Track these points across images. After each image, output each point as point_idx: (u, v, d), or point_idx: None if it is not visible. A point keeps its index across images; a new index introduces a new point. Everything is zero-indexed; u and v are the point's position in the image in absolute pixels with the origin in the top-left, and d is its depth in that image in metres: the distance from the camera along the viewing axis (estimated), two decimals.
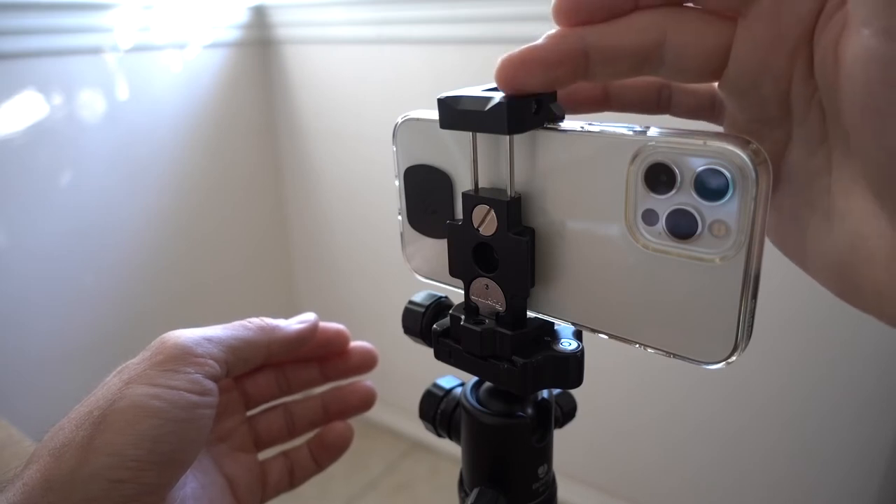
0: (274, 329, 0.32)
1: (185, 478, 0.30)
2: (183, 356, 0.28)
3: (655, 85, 0.25)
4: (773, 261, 0.23)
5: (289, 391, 0.37)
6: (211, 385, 0.28)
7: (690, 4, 0.20)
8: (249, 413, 0.37)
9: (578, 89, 0.25)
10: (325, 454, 0.37)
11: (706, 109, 0.25)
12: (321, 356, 0.37)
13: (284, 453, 0.37)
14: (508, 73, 0.20)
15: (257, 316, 0.33)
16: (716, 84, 0.21)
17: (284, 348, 0.33)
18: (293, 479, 0.36)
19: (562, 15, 0.20)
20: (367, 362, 0.38)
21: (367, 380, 0.38)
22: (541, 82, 0.20)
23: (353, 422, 0.38)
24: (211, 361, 0.28)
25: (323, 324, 0.36)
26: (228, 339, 0.30)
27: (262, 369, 0.37)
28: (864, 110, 0.17)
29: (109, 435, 0.25)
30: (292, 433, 0.37)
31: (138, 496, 0.25)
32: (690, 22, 0.20)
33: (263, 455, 0.36)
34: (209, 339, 0.29)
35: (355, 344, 0.38)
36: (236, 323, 0.31)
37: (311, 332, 0.34)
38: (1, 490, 0.25)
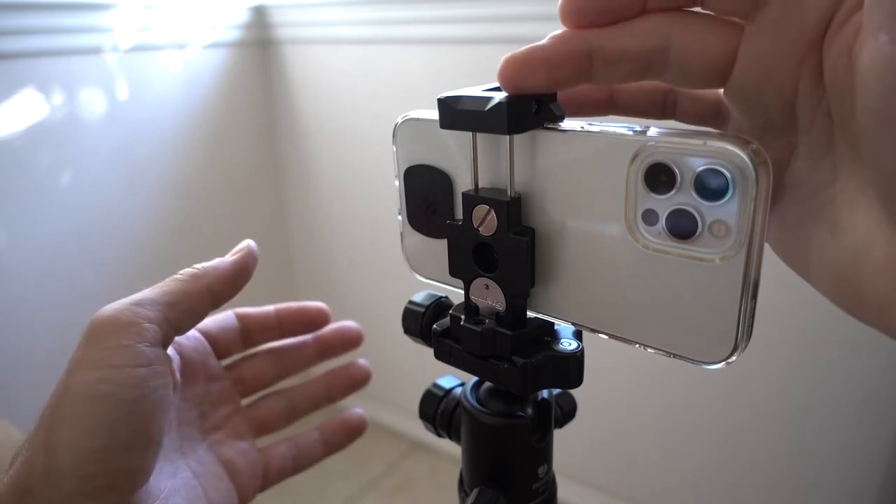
0: (208, 270, 0.31)
1: (177, 467, 0.30)
2: (116, 330, 0.26)
3: (661, 90, 0.25)
4: (774, 261, 0.23)
5: (285, 374, 0.38)
6: (155, 352, 0.26)
7: (698, 9, 0.20)
8: (247, 400, 0.37)
9: (583, 92, 0.25)
10: (342, 436, 0.37)
11: (711, 116, 0.25)
12: (305, 332, 0.38)
13: (289, 438, 0.37)
14: (510, 73, 0.20)
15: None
16: (721, 91, 0.21)
17: (228, 285, 0.31)
18: (298, 464, 0.36)
19: (568, 17, 0.20)
20: (353, 337, 0.38)
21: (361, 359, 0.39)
22: (543, 83, 0.20)
23: None
24: (148, 325, 0.27)
25: (303, 303, 0.37)
26: (161, 297, 0.28)
27: (256, 356, 0.37)
28: (879, 117, 0.17)
29: (65, 430, 0.24)
30: (293, 416, 0.37)
31: (113, 485, 0.24)
32: (696, 27, 0.20)
33: (267, 440, 0.37)
34: (139, 303, 0.27)
35: (342, 323, 0.38)
36: (167, 279, 0.30)
37: (250, 260, 0.32)
38: None
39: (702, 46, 0.20)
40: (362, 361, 0.39)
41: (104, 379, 0.25)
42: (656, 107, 0.26)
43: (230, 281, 0.31)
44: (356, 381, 0.38)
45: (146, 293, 0.28)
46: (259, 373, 0.37)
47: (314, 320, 0.37)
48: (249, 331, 0.36)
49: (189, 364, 0.33)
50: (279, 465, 0.35)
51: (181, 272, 0.30)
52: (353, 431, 0.37)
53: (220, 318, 0.36)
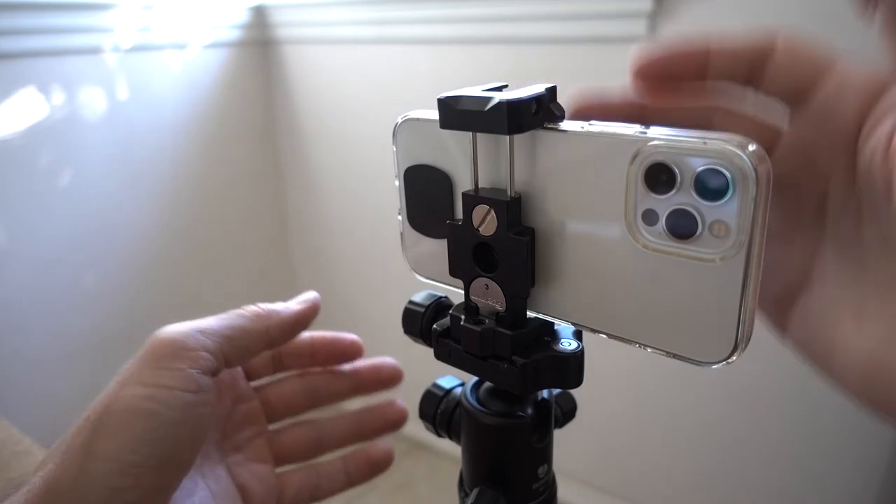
0: (271, 314, 0.31)
1: (196, 485, 0.30)
2: (174, 352, 0.27)
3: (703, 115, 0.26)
4: None
5: (316, 403, 0.36)
6: (206, 380, 0.27)
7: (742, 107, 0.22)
8: (274, 426, 0.36)
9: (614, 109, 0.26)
10: (365, 469, 0.36)
11: None
12: (337, 363, 0.37)
13: (311, 465, 0.36)
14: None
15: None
16: None
17: (285, 332, 0.32)
18: (317, 493, 0.35)
19: (640, 81, 0.22)
20: (390, 375, 0.37)
21: (399, 398, 0.37)
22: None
23: None
24: (205, 354, 0.27)
25: (338, 334, 0.36)
26: (222, 329, 0.29)
27: (287, 381, 0.36)
28: None
29: (105, 440, 0.24)
30: (319, 449, 0.36)
31: (139, 501, 0.25)
32: (738, 122, 0.22)
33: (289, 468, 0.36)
34: (202, 331, 0.28)
35: (380, 360, 0.37)
36: (231, 312, 0.30)
37: (312, 312, 0.33)
38: (9, 494, 0.25)
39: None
40: (400, 402, 0.37)
41: (153, 397, 0.25)
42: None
43: (289, 329, 0.32)
44: (390, 422, 0.37)
45: (210, 322, 0.29)
46: (289, 399, 0.36)
47: (347, 352, 0.36)
48: (281, 354, 0.36)
49: (217, 383, 0.33)
50: (295, 492, 0.34)
51: (245, 308, 0.31)
52: (377, 466, 0.36)
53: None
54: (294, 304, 0.33)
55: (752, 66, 0.21)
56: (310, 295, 0.34)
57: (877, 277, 0.20)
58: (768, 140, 0.21)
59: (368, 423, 0.36)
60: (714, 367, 0.20)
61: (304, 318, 0.33)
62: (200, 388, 0.27)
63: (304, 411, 0.36)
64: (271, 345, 0.32)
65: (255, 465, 0.34)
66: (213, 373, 0.28)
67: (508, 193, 0.23)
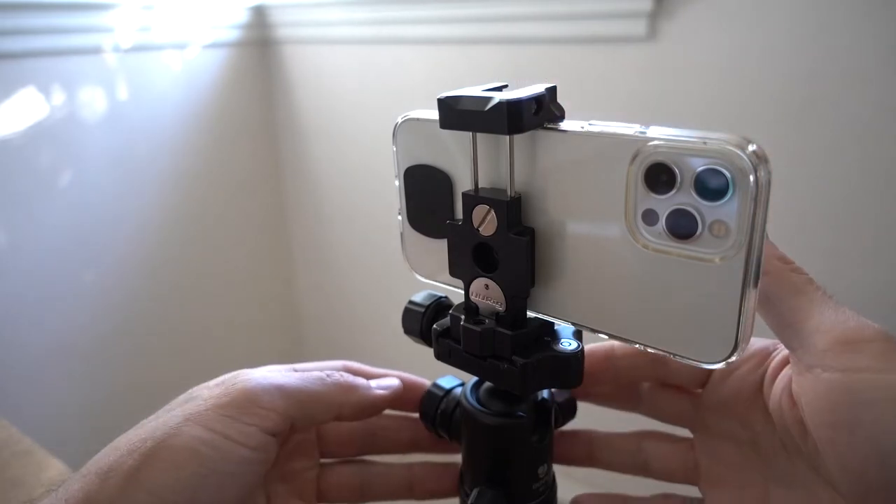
0: (351, 389, 0.30)
1: None
2: (246, 404, 0.27)
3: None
4: None
5: (372, 449, 0.34)
6: (267, 439, 0.27)
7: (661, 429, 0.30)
8: (323, 461, 0.34)
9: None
10: None
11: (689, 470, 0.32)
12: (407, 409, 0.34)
13: None
14: None
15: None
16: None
17: (357, 413, 0.31)
18: None
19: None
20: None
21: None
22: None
23: None
24: (273, 415, 0.27)
25: (416, 378, 0.33)
26: (299, 393, 0.28)
27: None
28: (829, 427, 0.21)
29: (154, 472, 0.24)
30: (363, 495, 0.33)
31: None
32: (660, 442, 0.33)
33: None
34: (280, 389, 0.28)
35: None
36: (315, 372, 0.30)
37: (390, 401, 0.32)
38: (43, 496, 0.24)
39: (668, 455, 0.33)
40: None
41: (210, 443, 0.25)
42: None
43: (362, 411, 0.31)
44: (447, 488, 0.33)
45: (291, 379, 0.29)
46: (345, 439, 0.34)
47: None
48: None
49: (278, 439, 0.31)
50: None
51: (329, 374, 0.30)
52: None
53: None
54: (376, 387, 0.31)
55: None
56: (393, 382, 0.32)
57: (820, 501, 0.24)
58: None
59: (424, 480, 0.33)
60: (714, 366, 0.20)
61: (380, 407, 0.32)
62: (258, 446, 0.27)
63: (356, 455, 0.34)
64: (339, 419, 0.31)
65: (297, 501, 0.32)
66: (276, 433, 0.28)
67: (508, 193, 0.23)
